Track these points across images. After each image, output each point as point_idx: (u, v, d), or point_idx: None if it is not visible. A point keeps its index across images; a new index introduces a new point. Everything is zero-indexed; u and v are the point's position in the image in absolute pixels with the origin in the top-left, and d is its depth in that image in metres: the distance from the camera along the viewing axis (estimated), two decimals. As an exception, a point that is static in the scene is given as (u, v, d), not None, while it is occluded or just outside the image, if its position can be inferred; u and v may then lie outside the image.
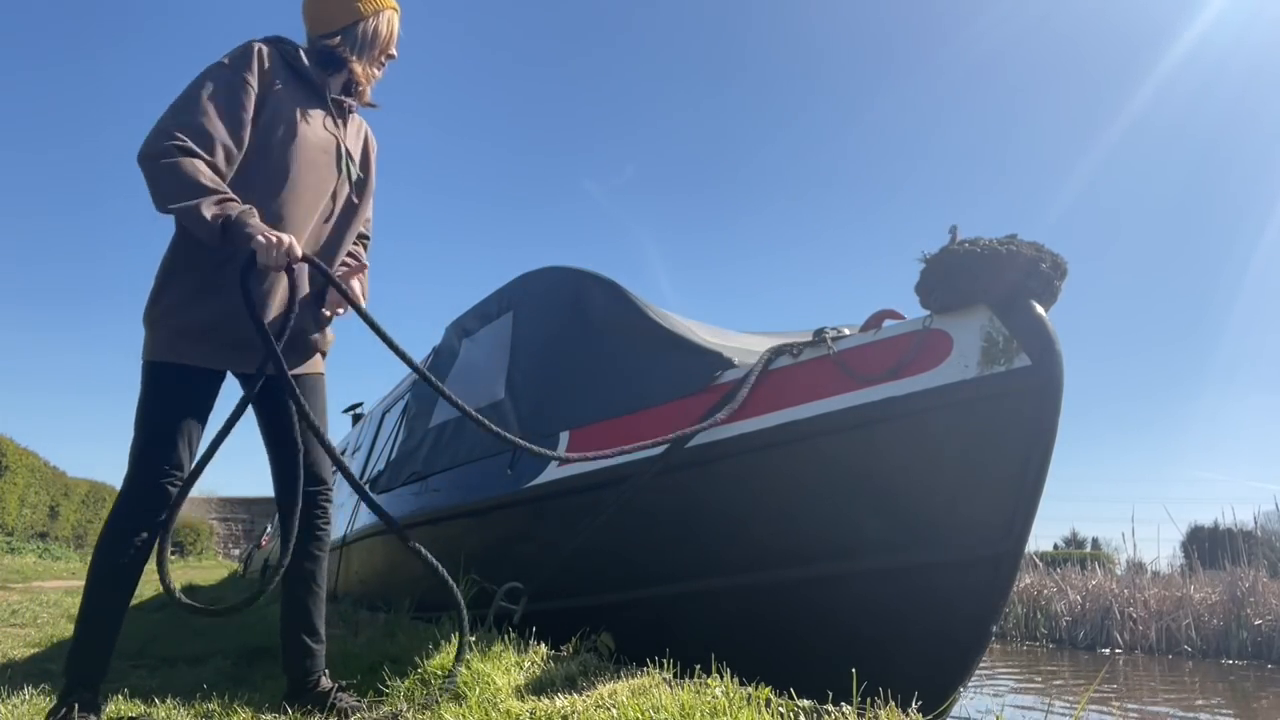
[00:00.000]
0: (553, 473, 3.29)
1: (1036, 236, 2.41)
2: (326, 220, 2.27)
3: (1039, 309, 2.33)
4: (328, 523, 2.33)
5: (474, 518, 3.86)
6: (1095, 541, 22.37)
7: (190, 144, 1.97)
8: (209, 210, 1.94)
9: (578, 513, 3.22)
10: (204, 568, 20.61)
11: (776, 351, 2.80)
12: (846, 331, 2.75)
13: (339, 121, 2.30)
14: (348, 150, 2.30)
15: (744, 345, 3.25)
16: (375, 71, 2.37)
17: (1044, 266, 2.33)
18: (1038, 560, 12.47)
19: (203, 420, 2.15)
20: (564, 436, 3.35)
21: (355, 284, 2.34)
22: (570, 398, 3.47)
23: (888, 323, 2.69)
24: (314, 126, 2.20)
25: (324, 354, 2.42)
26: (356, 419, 9.83)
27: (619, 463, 2.91)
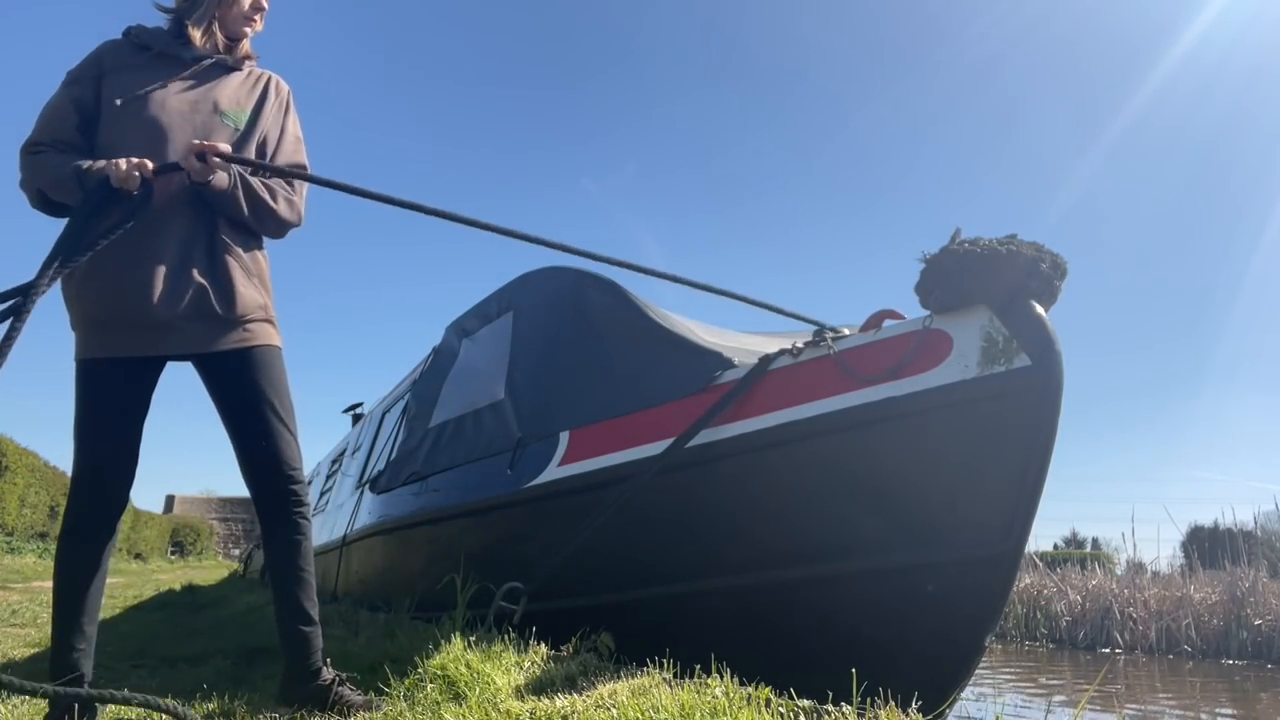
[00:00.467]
0: (553, 473, 3.29)
1: (1036, 236, 2.40)
2: None
3: (1039, 309, 2.33)
4: (302, 507, 2.25)
5: (474, 518, 3.86)
6: (1095, 541, 22.38)
7: (38, 148, 2.16)
8: (64, 170, 2.08)
9: (578, 513, 3.22)
10: (204, 568, 20.62)
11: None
12: (846, 331, 2.75)
13: (209, 81, 2.30)
14: (217, 103, 2.28)
15: (744, 345, 3.25)
16: (241, 28, 2.38)
17: (1044, 266, 2.33)
18: (1038, 560, 12.47)
19: (129, 412, 2.15)
20: (564, 437, 3.35)
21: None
22: (570, 398, 3.47)
23: (887, 323, 2.69)
24: (169, 92, 2.23)
25: (271, 322, 2.30)
26: (356, 419, 9.83)
27: (619, 462, 2.91)
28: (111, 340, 2.10)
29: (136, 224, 2.06)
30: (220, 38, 2.34)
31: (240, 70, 2.37)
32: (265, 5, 2.40)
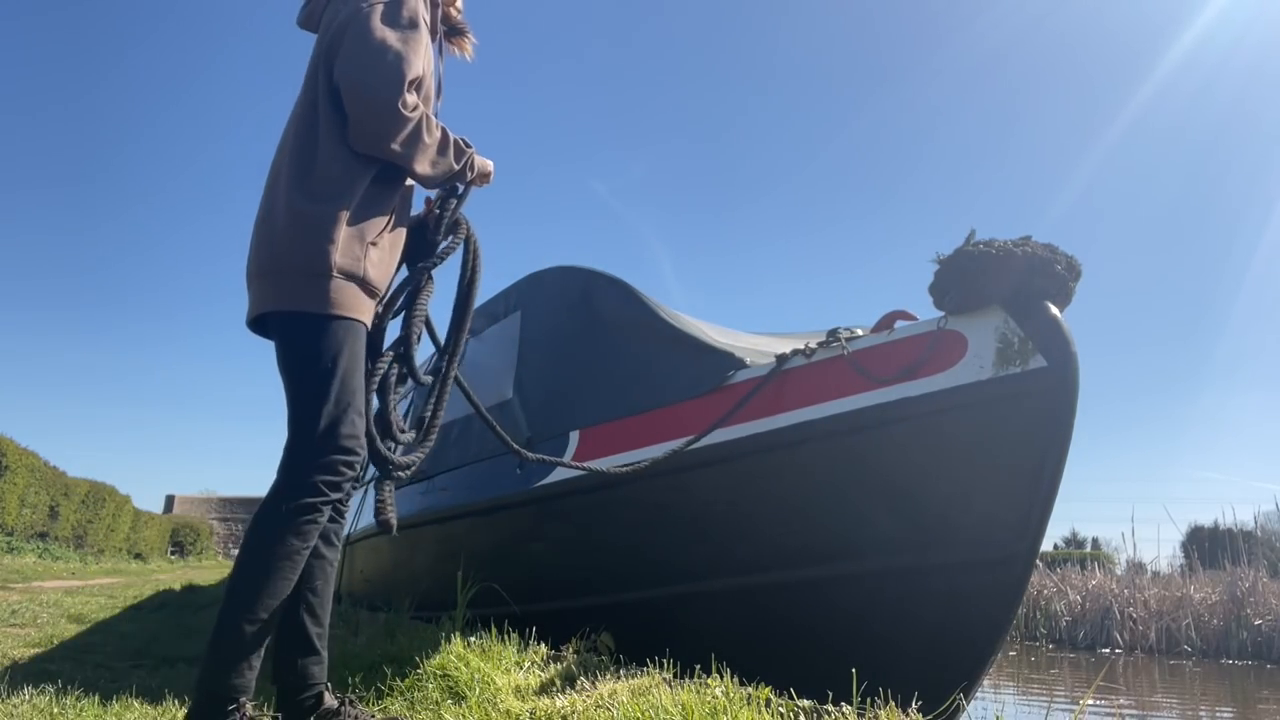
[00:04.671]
0: (562, 472, 3.28)
1: (1037, 235, 2.41)
2: None
3: (1054, 310, 2.33)
4: (345, 509, 2.01)
5: (482, 517, 3.85)
6: (1095, 541, 22.35)
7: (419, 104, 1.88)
8: (453, 153, 1.98)
9: (587, 512, 3.22)
10: (204, 568, 20.61)
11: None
12: (859, 332, 2.74)
13: (441, 59, 2.18)
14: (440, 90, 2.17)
15: (755, 346, 3.24)
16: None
17: (1058, 268, 2.32)
18: (1038, 560, 12.44)
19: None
20: (573, 436, 3.34)
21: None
22: (580, 397, 3.47)
23: (900, 324, 2.68)
24: (435, 70, 2.10)
25: None
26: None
27: (630, 462, 2.91)
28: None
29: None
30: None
31: None
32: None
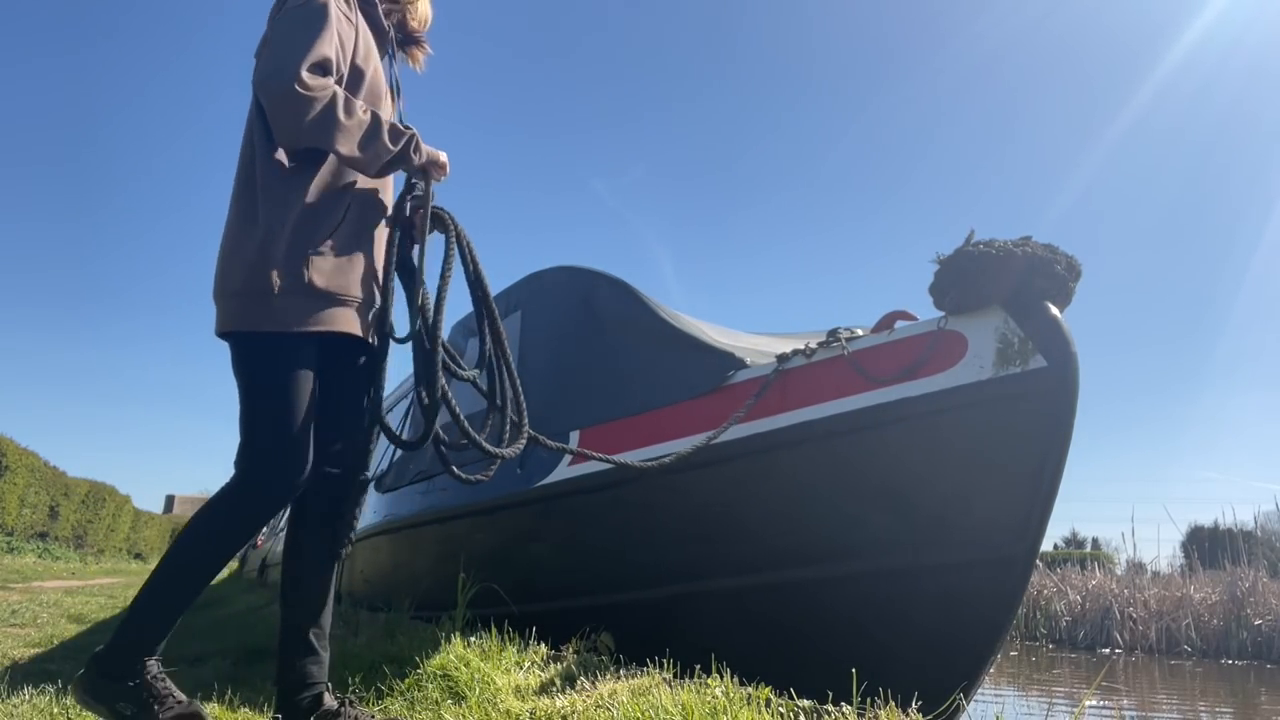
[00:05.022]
0: (563, 472, 3.28)
1: (1037, 235, 2.41)
2: None
3: (1054, 310, 2.33)
4: (359, 510, 2.05)
5: (482, 517, 3.85)
6: (1095, 541, 22.35)
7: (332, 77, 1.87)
8: (386, 138, 1.90)
9: (588, 512, 3.21)
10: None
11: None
12: (859, 332, 2.74)
13: (394, 68, 2.20)
14: (398, 93, 2.20)
15: (755, 346, 3.24)
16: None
17: (1058, 268, 2.33)
18: (1038, 560, 12.43)
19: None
20: (574, 436, 3.34)
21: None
22: (580, 397, 3.47)
23: (900, 324, 2.68)
24: (382, 75, 2.10)
25: None
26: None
27: (630, 462, 2.90)
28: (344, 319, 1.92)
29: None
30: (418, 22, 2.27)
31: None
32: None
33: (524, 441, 2.16)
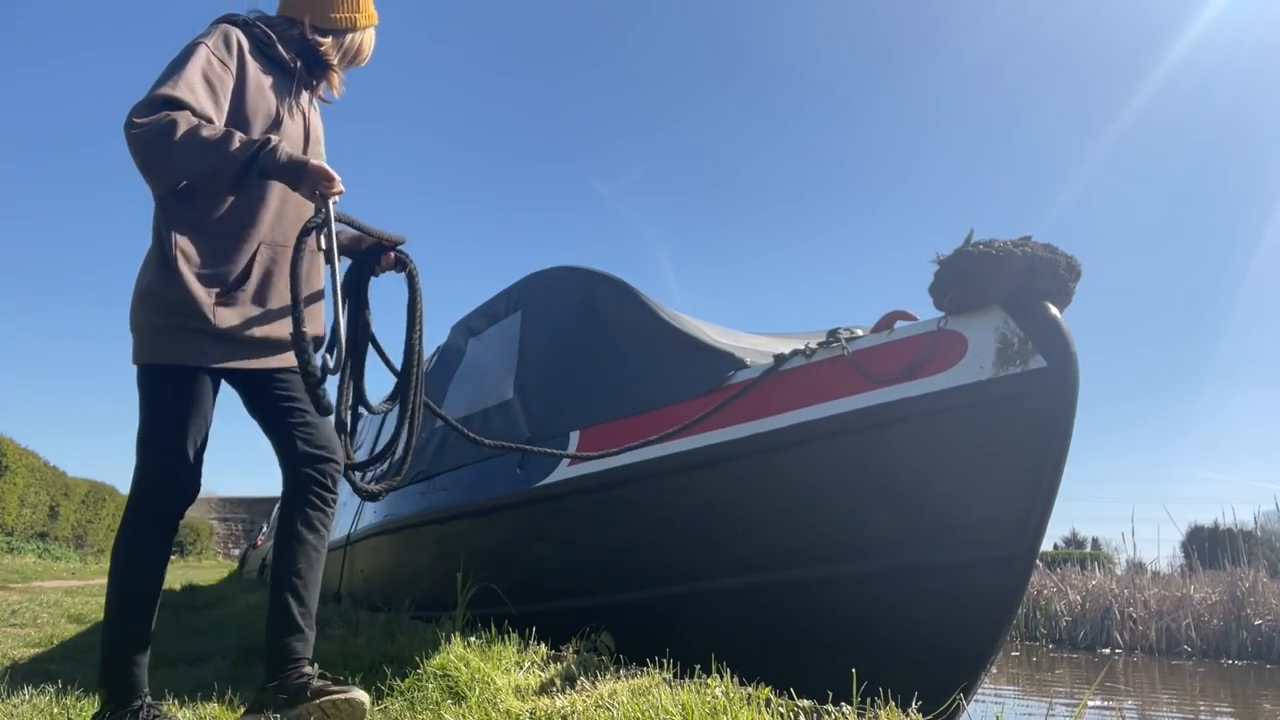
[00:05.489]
0: (563, 472, 3.28)
1: (1036, 236, 2.41)
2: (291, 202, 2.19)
3: (1054, 310, 2.33)
4: (332, 497, 2.17)
5: (482, 517, 3.85)
6: (1095, 541, 22.33)
7: (186, 109, 1.91)
8: (235, 147, 1.89)
9: (588, 512, 3.21)
10: (204, 567, 20.62)
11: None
12: (859, 333, 2.74)
13: (310, 106, 2.29)
14: (317, 135, 2.28)
15: (755, 346, 3.25)
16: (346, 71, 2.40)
17: (1058, 268, 2.33)
18: (1038, 560, 12.42)
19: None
20: (574, 436, 3.35)
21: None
22: (580, 397, 3.47)
23: (900, 324, 2.69)
24: (287, 113, 2.17)
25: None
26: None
27: (632, 462, 2.90)
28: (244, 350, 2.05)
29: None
30: (336, 85, 2.37)
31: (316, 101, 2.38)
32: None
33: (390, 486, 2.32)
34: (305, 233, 1.99)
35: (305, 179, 1.99)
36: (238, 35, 2.09)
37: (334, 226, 2.01)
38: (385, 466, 2.32)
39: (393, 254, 2.28)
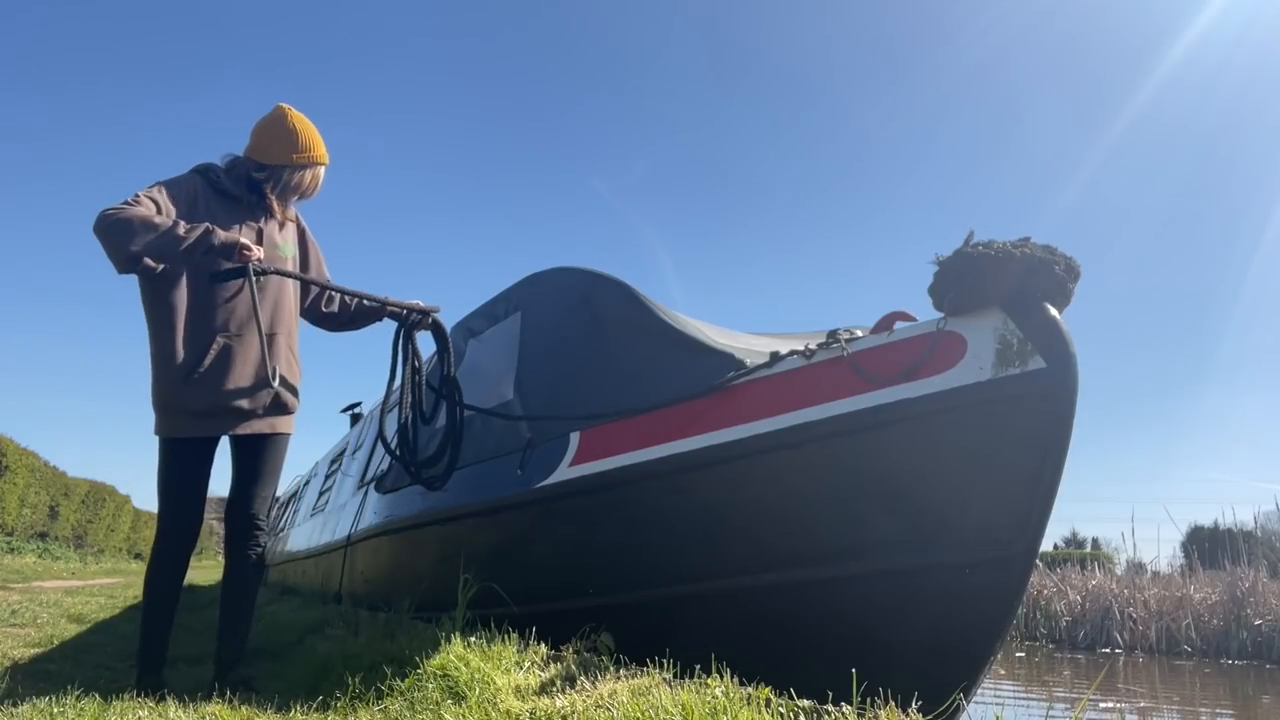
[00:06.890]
0: (564, 473, 3.28)
1: (1037, 236, 2.41)
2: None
3: (1053, 311, 2.33)
4: (259, 546, 2.99)
5: (482, 518, 3.85)
6: (1095, 541, 22.36)
7: (144, 204, 2.56)
8: (180, 228, 2.52)
9: (587, 513, 3.21)
10: (204, 568, 20.61)
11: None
12: (859, 333, 2.74)
13: (265, 222, 2.88)
14: (273, 242, 2.87)
15: (755, 347, 3.24)
16: (295, 200, 2.98)
17: (1057, 269, 2.33)
18: (1038, 560, 12.42)
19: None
20: (574, 438, 3.34)
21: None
22: (580, 399, 3.47)
23: (900, 325, 2.69)
24: (239, 228, 2.77)
25: (292, 412, 2.97)
26: (355, 419, 9.81)
27: (632, 463, 2.90)
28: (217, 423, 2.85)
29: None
30: (277, 211, 2.95)
31: (290, 214, 3.04)
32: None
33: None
34: (227, 275, 2.62)
35: (237, 250, 2.61)
36: (193, 180, 2.76)
37: (252, 279, 2.65)
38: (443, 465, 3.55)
39: (429, 318, 3.33)
